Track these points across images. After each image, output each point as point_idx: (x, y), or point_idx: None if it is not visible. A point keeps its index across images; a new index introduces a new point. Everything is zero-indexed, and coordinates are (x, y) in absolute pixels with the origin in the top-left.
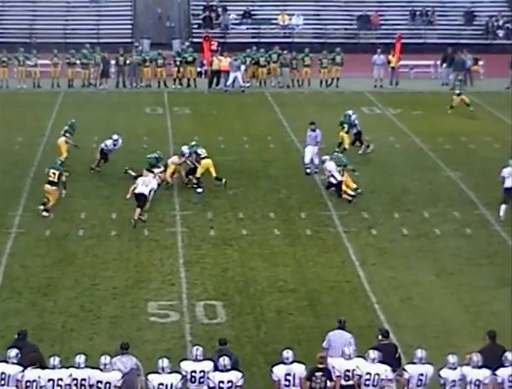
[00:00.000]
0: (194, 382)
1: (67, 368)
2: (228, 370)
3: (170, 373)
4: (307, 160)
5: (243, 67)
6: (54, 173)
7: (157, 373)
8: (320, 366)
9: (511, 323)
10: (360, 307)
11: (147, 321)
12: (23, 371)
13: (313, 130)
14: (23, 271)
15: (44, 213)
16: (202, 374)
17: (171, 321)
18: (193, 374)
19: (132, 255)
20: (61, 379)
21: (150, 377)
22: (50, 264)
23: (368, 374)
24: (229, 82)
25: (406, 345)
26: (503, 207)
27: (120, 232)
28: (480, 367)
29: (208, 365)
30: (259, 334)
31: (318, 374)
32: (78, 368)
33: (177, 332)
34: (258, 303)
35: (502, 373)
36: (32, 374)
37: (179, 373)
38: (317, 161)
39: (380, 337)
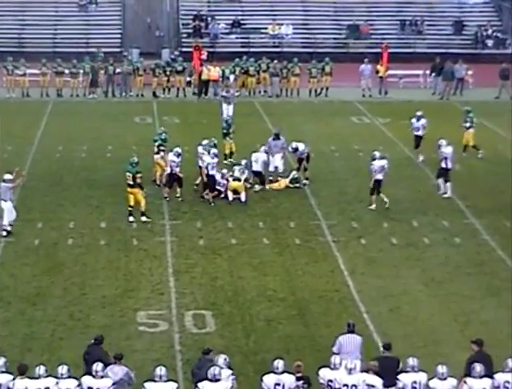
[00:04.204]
0: None
1: (54, 376)
2: (217, 380)
3: (166, 381)
4: (271, 168)
5: (232, 77)
6: (129, 176)
7: (153, 381)
8: (298, 375)
9: (499, 332)
10: (349, 316)
11: (136, 330)
12: (13, 379)
13: (278, 139)
14: (11, 281)
15: (143, 218)
16: None
17: (160, 330)
18: None
19: (121, 264)
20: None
21: (146, 385)
22: (39, 273)
23: (345, 385)
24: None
25: (395, 354)
26: None
27: (109, 242)
28: (481, 377)
29: (171, 386)
30: (248, 343)
31: (299, 382)
32: (61, 378)
33: (166, 342)
34: (248, 312)
35: (499, 378)
36: (20, 383)
37: (175, 381)
38: (281, 168)
39: (382, 350)
